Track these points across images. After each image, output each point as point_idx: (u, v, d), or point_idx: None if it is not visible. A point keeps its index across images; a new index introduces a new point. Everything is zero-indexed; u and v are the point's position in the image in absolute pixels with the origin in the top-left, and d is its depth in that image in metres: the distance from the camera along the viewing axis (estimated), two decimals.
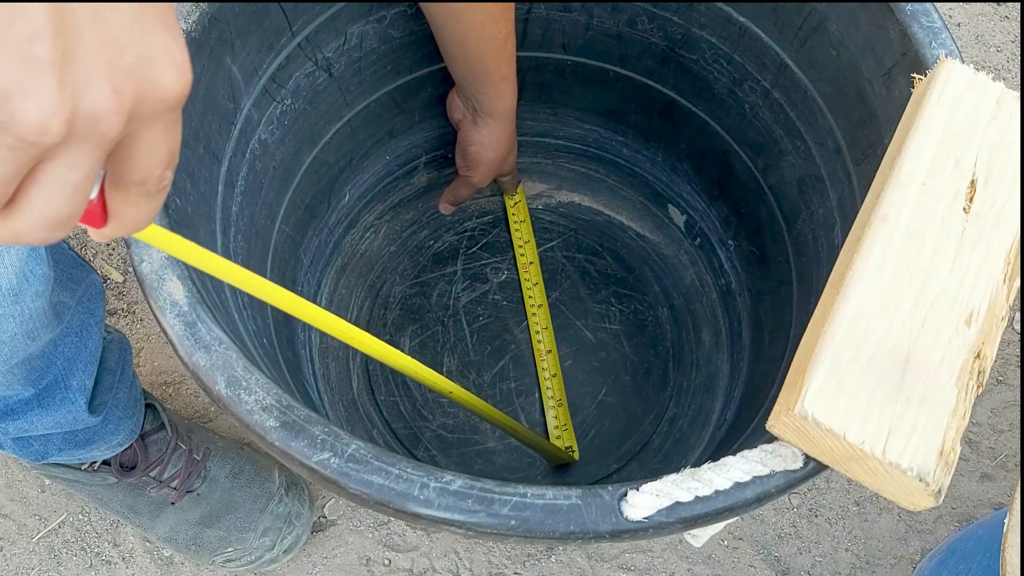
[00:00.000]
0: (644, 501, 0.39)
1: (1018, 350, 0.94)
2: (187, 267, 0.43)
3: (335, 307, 0.82)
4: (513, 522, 0.38)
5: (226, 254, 0.58)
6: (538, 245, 0.86)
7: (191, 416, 0.88)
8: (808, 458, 0.41)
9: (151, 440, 0.77)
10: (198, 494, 0.77)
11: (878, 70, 0.56)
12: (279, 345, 0.64)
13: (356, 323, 0.81)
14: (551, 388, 0.80)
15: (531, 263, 0.85)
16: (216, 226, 0.57)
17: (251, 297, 0.46)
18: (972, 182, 0.44)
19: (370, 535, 0.84)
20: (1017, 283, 0.43)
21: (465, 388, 0.79)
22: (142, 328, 0.91)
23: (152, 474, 0.76)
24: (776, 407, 0.41)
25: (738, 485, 0.40)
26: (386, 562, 0.83)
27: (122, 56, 0.23)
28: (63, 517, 0.84)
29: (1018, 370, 0.93)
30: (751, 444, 0.42)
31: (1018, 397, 0.92)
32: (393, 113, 0.78)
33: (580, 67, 0.79)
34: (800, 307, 0.67)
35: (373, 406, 0.79)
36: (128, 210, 0.27)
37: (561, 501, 0.39)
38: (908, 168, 0.44)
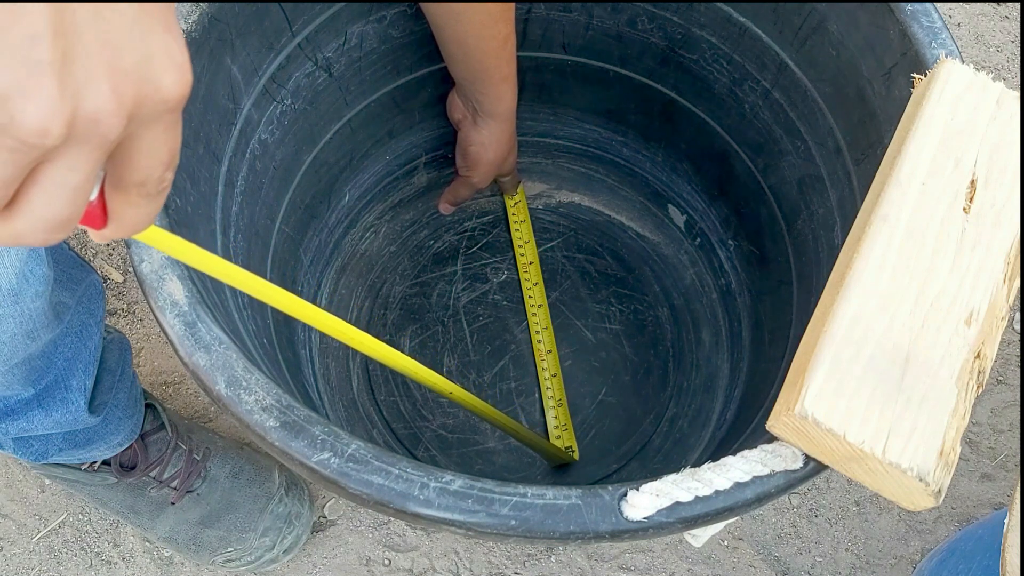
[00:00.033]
0: (644, 501, 0.39)
1: (1018, 350, 0.94)
2: (187, 267, 0.43)
3: (335, 307, 0.82)
4: (513, 522, 0.38)
5: (226, 254, 0.58)
6: (538, 245, 0.87)
7: (191, 416, 0.88)
8: (808, 458, 0.41)
9: (151, 440, 0.77)
10: (198, 494, 0.77)
11: (878, 70, 0.56)
12: (279, 345, 0.64)
13: (356, 323, 0.82)
14: (551, 388, 0.80)
15: (531, 263, 0.85)
16: (216, 226, 0.57)
17: (251, 297, 0.46)
18: (972, 182, 0.44)
19: (370, 535, 0.84)
20: (1017, 283, 0.43)
21: (465, 388, 0.79)
22: (142, 328, 0.91)
23: (152, 474, 0.76)
24: (776, 407, 0.41)
25: (738, 485, 0.40)
26: (386, 562, 0.83)
27: (122, 58, 0.23)
28: (63, 517, 0.84)
29: (1018, 370, 0.93)
30: (751, 444, 0.42)
31: (1018, 397, 0.92)
32: (393, 113, 0.78)
33: (580, 67, 0.79)
34: (800, 307, 0.67)
35: (373, 406, 0.79)
36: (128, 211, 0.27)
37: (561, 501, 0.39)
38: (908, 168, 0.44)
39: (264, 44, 0.60)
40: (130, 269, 0.94)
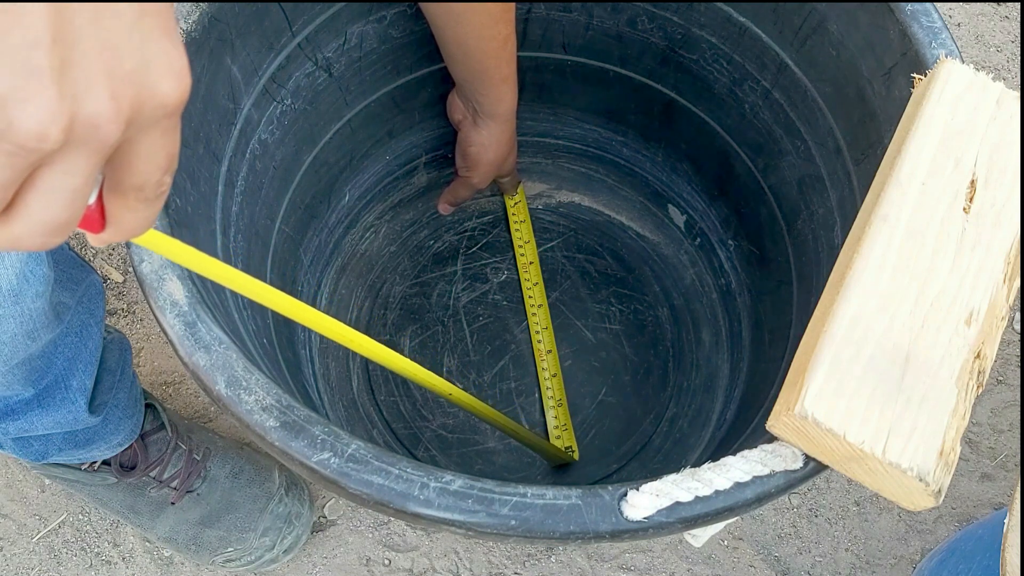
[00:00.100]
0: (644, 501, 0.39)
1: (1018, 350, 0.94)
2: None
3: (335, 307, 0.82)
4: (513, 522, 0.38)
5: (226, 254, 0.58)
6: (538, 245, 0.87)
7: (191, 416, 0.88)
8: (808, 458, 0.41)
9: (151, 440, 0.77)
10: (198, 494, 0.77)
11: (878, 70, 0.56)
12: (279, 345, 0.64)
13: (356, 323, 0.82)
14: (551, 388, 0.80)
15: (531, 263, 0.85)
16: (216, 226, 0.57)
17: None
18: (972, 182, 0.44)
19: (370, 535, 0.84)
20: (1017, 283, 0.43)
21: (465, 388, 0.79)
22: (142, 328, 0.91)
23: (152, 474, 0.76)
24: (776, 407, 0.41)
25: (738, 485, 0.40)
26: (386, 562, 0.83)
27: (121, 63, 0.23)
28: (63, 517, 0.84)
29: (1018, 370, 0.93)
30: (751, 444, 0.42)
31: (1018, 397, 0.92)
32: (393, 113, 0.78)
33: (580, 67, 0.79)
34: (800, 307, 0.67)
35: (373, 406, 0.79)
36: (126, 215, 0.27)
37: (561, 501, 0.39)
38: (908, 168, 0.44)
39: (264, 44, 0.60)
40: (130, 269, 0.94)
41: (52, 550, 0.83)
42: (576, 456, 0.78)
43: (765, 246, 0.75)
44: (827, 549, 0.86)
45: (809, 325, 0.43)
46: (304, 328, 0.76)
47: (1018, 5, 1.12)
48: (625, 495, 0.40)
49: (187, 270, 0.43)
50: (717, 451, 0.72)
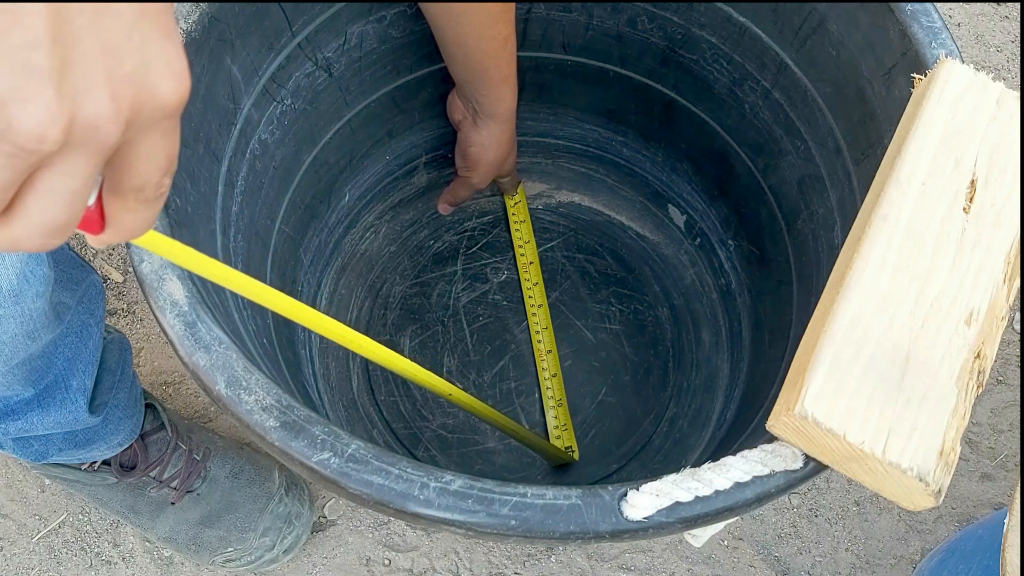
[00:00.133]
0: (644, 501, 0.39)
1: (1018, 350, 0.94)
2: None
3: (335, 307, 0.82)
4: (513, 522, 0.38)
5: (226, 254, 0.58)
6: (538, 245, 0.86)
7: (191, 416, 0.88)
8: (808, 458, 0.41)
9: (151, 440, 0.77)
10: (198, 494, 0.77)
11: (878, 70, 0.56)
12: (279, 345, 0.64)
13: (356, 323, 0.82)
14: (551, 388, 0.80)
15: (531, 263, 0.85)
16: (216, 226, 0.57)
17: None
18: (972, 182, 0.44)
19: (370, 535, 0.84)
20: (1017, 283, 0.43)
21: (465, 388, 0.79)
22: (142, 328, 0.91)
23: (152, 474, 0.76)
24: (776, 407, 0.41)
25: (738, 485, 0.40)
26: (386, 562, 0.83)
27: (120, 64, 0.23)
28: (63, 517, 0.84)
29: (1018, 370, 0.93)
30: (751, 444, 0.42)
31: (1018, 397, 0.92)
32: (393, 113, 0.78)
33: (580, 67, 0.79)
34: (800, 307, 0.67)
35: (373, 406, 0.79)
36: (126, 216, 0.27)
37: (561, 501, 0.39)
38: (908, 168, 0.44)
39: (264, 44, 0.60)
40: (130, 269, 0.94)
41: (52, 550, 0.83)
42: (576, 456, 0.78)
43: (765, 246, 0.75)
44: (827, 549, 0.86)
45: (809, 325, 0.43)
46: (304, 328, 0.76)
47: (1018, 5, 1.12)
48: (625, 495, 0.40)
49: (187, 270, 0.43)
50: (717, 451, 0.72)
